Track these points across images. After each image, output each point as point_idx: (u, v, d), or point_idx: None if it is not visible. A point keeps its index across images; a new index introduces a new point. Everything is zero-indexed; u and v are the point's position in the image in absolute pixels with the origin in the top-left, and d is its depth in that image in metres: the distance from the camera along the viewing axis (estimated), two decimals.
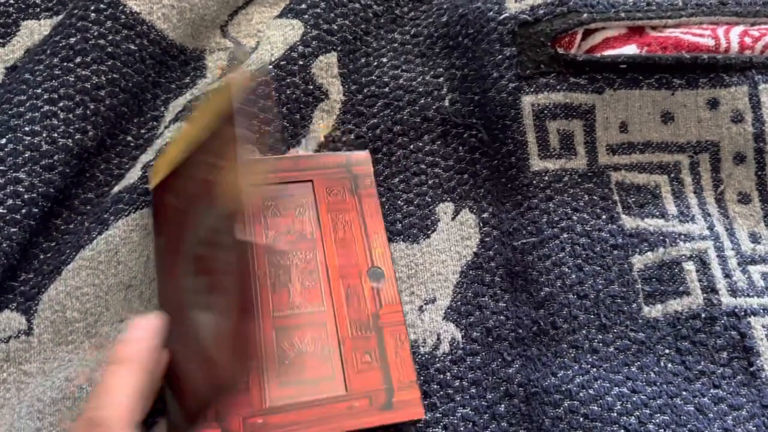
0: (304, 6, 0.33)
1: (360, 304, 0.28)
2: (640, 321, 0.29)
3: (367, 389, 0.26)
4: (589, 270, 0.29)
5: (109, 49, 0.31)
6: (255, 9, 0.35)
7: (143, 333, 0.23)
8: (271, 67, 0.32)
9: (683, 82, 0.30)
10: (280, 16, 0.33)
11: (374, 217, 0.30)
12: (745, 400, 0.27)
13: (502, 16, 0.31)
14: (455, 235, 0.31)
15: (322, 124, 0.32)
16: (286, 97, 0.32)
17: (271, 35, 0.32)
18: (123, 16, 0.32)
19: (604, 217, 0.30)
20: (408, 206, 0.32)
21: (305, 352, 0.27)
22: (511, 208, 0.31)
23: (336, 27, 0.33)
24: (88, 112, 0.30)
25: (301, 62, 0.32)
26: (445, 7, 0.34)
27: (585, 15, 0.30)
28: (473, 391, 0.28)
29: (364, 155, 0.31)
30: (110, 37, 0.31)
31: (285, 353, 0.27)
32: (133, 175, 0.30)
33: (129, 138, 0.32)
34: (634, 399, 0.27)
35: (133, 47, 0.32)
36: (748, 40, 0.31)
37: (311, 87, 0.32)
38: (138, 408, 0.22)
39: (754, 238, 0.30)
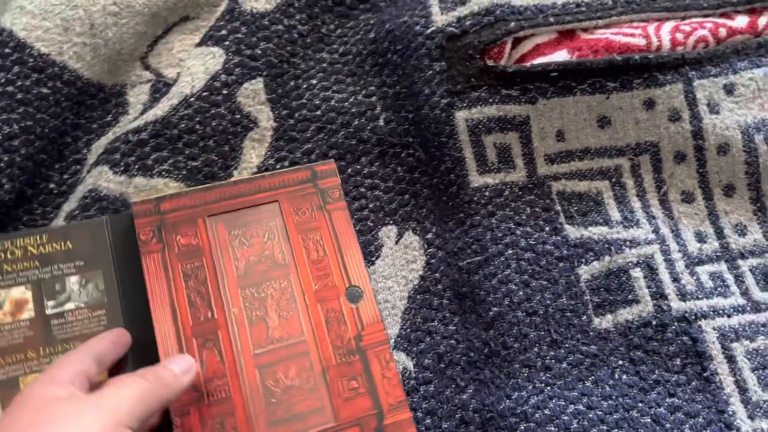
0: (224, 32, 0.31)
1: (341, 328, 0.28)
2: (591, 333, 0.28)
3: (357, 416, 0.26)
4: (536, 285, 0.29)
5: (19, 96, 0.29)
6: (175, 37, 0.34)
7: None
8: (193, 99, 0.30)
9: (617, 84, 0.29)
10: (200, 44, 0.32)
11: (346, 231, 0.29)
12: (700, 406, 0.27)
13: (429, 30, 0.30)
14: (400, 259, 0.30)
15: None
16: (212, 130, 0.30)
17: (191, 65, 0.31)
18: (31, 60, 0.30)
19: (547, 228, 0.29)
20: None
21: (292, 386, 0.26)
22: (454, 227, 0.30)
23: (259, 51, 0.32)
24: (2, 164, 0.29)
25: (225, 91, 0.31)
26: (372, 22, 0.33)
27: (512, 24, 0.29)
28: (428, 422, 0.27)
29: (329, 165, 0.30)
30: (19, 83, 0.29)
31: (271, 391, 0.26)
32: (56, 226, 0.28)
33: (51, 185, 0.31)
34: (591, 416, 0.26)
35: (45, 91, 0.30)
36: (679, 36, 0.30)
37: (238, 116, 0.31)
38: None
39: (700, 238, 0.30)
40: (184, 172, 0.30)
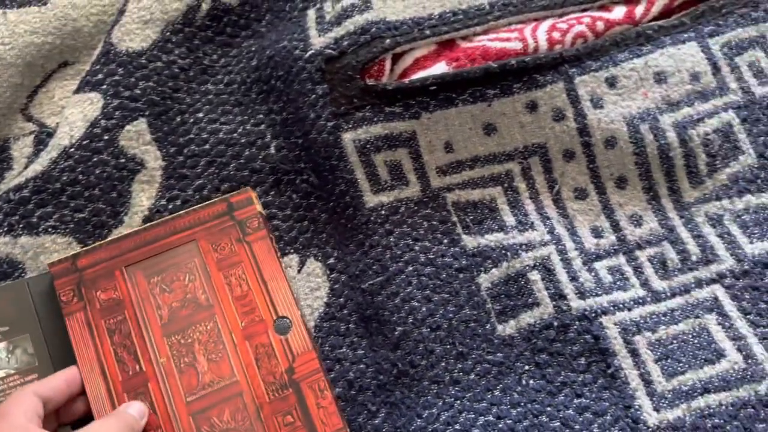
0: (100, 76, 0.31)
1: (271, 362, 0.27)
2: (495, 341, 0.28)
3: None
4: (438, 299, 0.29)
5: None
6: (56, 84, 0.33)
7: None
8: (73, 149, 0.29)
9: (497, 91, 0.29)
10: (77, 91, 0.31)
11: (268, 260, 0.28)
12: (607, 404, 0.27)
13: (307, 54, 0.30)
14: (304, 288, 0.30)
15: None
16: (96, 178, 0.30)
17: (69, 114, 0.30)
18: None
19: (445, 241, 0.29)
20: None
21: (227, 429, 0.26)
22: (355, 249, 0.30)
23: (139, 91, 0.31)
24: None
25: (106, 137, 0.30)
26: (253, 49, 0.32)
27: (388, 41, 0.29)
28: None
29: (245, 195, 0.29)
30: None
31: None
32: None
33: None
34: (501, 426, 0.26)
35: None
36: (556, 35, 0.30)
37: (123, 160, 0.30)
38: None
39: (597, 233, 0.30)
40: (72, 226, 0.29)
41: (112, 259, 0.28)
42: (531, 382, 0.27)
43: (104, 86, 0.31)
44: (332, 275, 0.30)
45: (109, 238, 0.29)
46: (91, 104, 0.30)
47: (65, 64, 0.33)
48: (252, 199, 0.29)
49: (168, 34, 0.32)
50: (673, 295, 0.28)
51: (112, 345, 0.27)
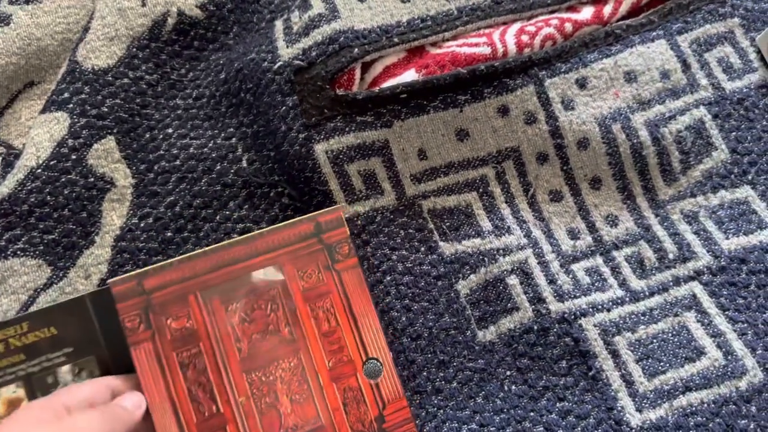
0: (66, 95, 0.30)
1: (360, 408, 0.25)
2: (476, 348, 0.28)
3: None
4: (417, 308, 0.28)
5: None
6: (22, 105, 0.32)
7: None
8: (40, 170, 0.29)
9: (468, 97, 0.29)
10: (43, 110, 0.30)
11: (359, 293, 0.26)
12: (590, 406, 0.27)
13: (276, 65, 0.30)
14: None
15: None
16: (65, 198, 0.29)
17: (35, 135, 0.30)
18: None
19: (422, 249, 0.29)
20: None
21: None
22: None
23: (106, 109, 0.30)
24: None
25: (73, 156, 0.29)
26: (222, 62, 0.32)
27: (356, 50, 0.29)
28: None
29: (335, 214, 0.27)
30: None
31: None
32: (34, 311, 0.27)
33: None
34: None
35: None
36: (525, 38, 0.30)
37: (92, 179, 0.30)
38: None
39: (573, 234, 0.30)
40: (41, 248, 0.29)
41: (184, 281, 0.25)
42: (513, 387, 0.27)
43: (71, 105, 0.30)
44: None
45: (180, 257, 0.25)
46: (58, 124, 0.30)
47: (31, 84, 0.33)
48: (342, 220, 0.27)
49: (134, 50, 0.31)
50: (652, 294, 0.28)
51: (185, 381, 0.24)
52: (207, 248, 0.25)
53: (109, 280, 0.25)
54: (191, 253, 0.25)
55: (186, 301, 0.25)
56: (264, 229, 0.26)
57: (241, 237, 0.26)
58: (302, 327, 0.25)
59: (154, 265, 0.25)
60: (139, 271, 0.25)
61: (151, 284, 0.25)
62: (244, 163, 0.31)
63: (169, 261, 0.25)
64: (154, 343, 0.24)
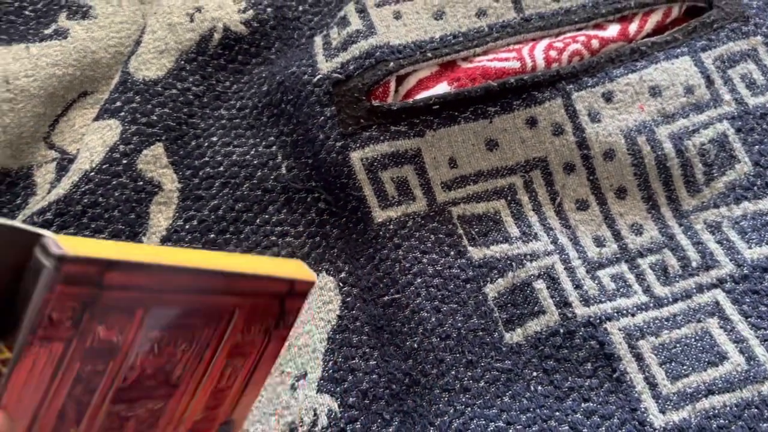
0: (118, 104, 0.32)
1: None
2: (504, 349, 0.29)
3: None
4: (446, 309, 0.29)
5: None
6: (76, 113, 0.34)
7: None
8: (93, 173, 0.31)
9: (498, 108, 0.30)
10: (96, 118, 0.32)
11: (268, 363, 0.23)
12: (614, 407, 0.27)
13: (316, 78, 0.31)
14: (317, 302, 0.31)
15: None
16: (116, 200, 0.31)
17: (89, 140, 0.32)
18: None
19: (452, 253, 0.30)
20: None
21: None
22: (365, 263, 0.31)
23: (156, 117, 0.32)
24: None
25: (124, 161, 0.31)
26: (264, 75, 0.34)
27: (392, 63, 0.31)
28: None
29: (308, 286, 0.24)
30: None
31: None
32: None
33: None
34: (510, 431, 0.27)
35: None
36: (553, 54, 0.32)
37: (141, 183, 0.32)
38: None
39: (599, 242, 0.31)
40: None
41: (145, 291, 0.19)
42: (539, 388, 0.28)
43: (122, 113, 0.32)
44: (344, 288, 0.31)
45: (163, 261, 0.20)
46: (110, 130, 0.32)
47: (85, 93, 0.35)
48: (308, 292, 0.24)
49: (182, 62, 0.33)
50: (675, 301, 0.29)
51: (66, 398, 0.19)
52: (196, 265, 0.21)
53: (58, 240, 0.17)
54: (175, 264, 0.20)
55: (132, 313, 0.19)
56: (249, 271, 0.22)
57: (228, 271, 0.21)
58: (198, 376, 0.22)
59: (128, 257, 0.19)
60: (107, 257, 0.18)
61: (113, 280, 0.18)
62: (284, 170, 0.32)
63: (150, 260, 0.20)
64: (66, 347, 0.18)
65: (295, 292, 0.23)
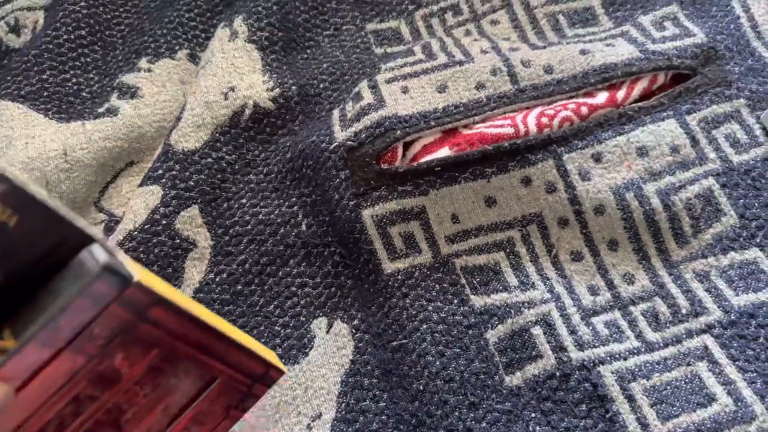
0: (160, 172, 0.37)
1: None
2: (504, 392, 0.31)
3: None
4: (450, 354, 0.32)
5: None
6: (123, 180, 0.39)
7: None
8: (136, 233, 0.35)
9: (494, 169, 0.34)
10: (141, 184, 0.37)
11: None
12: None
13: (332, 146, 0.35)
14: (331, 347, 0.34)
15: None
16: (155, 256, 0.35)
17: (134, 204, 0.36)
18: None
19: (455, 301, 0.33)
20: (285, 329, 0.34)
21: None
22: (376, 311, 0.34)
23: (192, 183, 0.37)
24: None
25: (164, 222, 0.35)
26: (288, 144, 0.38)
27: (399, 132, 0.34)
28: None
29: (280, 371, 0.23)
30: None
31: None
32: None
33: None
34: None
35: None
36: (545, 120, 0.35)
37: (178, 241, 0.35)
38: None
39: (593, 291, 0.33)
40: None
41: (171, 333, 0.20)
42: (537, 428, 0.30)
43: (163, 180, 0.36)
44: (357, 335, 0.34)
45: (194, 312, 0.20)
46: (152, 195, 0.36)
47: (132, 163, 0.40)
48: (275, 383, 0.24)
49: (217, 135, 0.38)
50: (666, 345, 0.31)
51: (55, 414, 0.18)
52: (212, 324, 0.21)
53: (134, 276, 0.17)
54: (202, 318, 0.20)
55: (147, 351, 0.19)
56: (242, 343, 0.22)
57: (230, 337, 0.21)
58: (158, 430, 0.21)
59: (177, 300, 0.20)
60: (160, 293, 0.19)
61: (154, 315, 0.19)
62: (303, 227, 0.36)
63: (192, 310, 0.20)
64: (85, 364, 0.18)
65: (266, 378, 0.23)
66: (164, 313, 0.19)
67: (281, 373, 0.24)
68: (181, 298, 0.20)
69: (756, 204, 0.34)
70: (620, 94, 0.37)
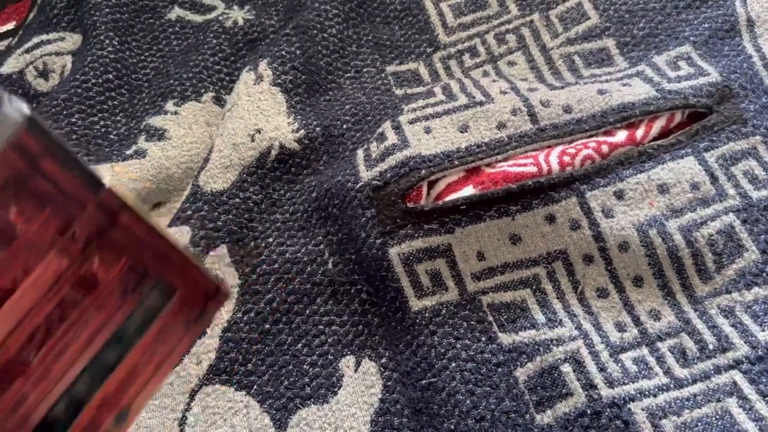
0: (189, 212, 0.37)
1: None
2: (535, 430, 0.31)
3: None
4: (480, 392, 0.32)
5: None
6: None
7: None
8: None
9: (519, 207, 0.34)
10: (170, 225, 0.38)
11: (177, 355, 0.22)
12: None
13: (358, 185, 0.36)
14: (360, 386, 0.34)
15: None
16: None
17: None
18: None
19: (483, 339, 0.33)
20: (313, 368, 0.34)
21: None
22: (404, 349, 0.34)
23: (221, 223, 0.37)
24: None
25: None
26: (313, 184, 0.39)
27: (423, 171, 0.35)
28: None
29: (227, 292, 0.23)
30: None
31: None
32: None
33: None
34: None
35: None
36: (567, 159, 0.36)
37: None
38: None
39: (620, 327, 0.33)
40: None
41: (138, 243, 0.19)
42: None
43: (192, 220, 0.37)
44: (385, 373, 0.34)
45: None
46: (182, 236, 0.37)
47: (159, 204, 0.40)
48: (224, 302, 0.23)
49: (244, 176, 0.39)
50: (695, 381, 0.31)
51: (44, 318, 0.19)
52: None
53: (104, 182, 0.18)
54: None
55: (119, 257, 0.20)
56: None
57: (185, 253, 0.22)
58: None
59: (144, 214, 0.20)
60: (130, 203, 0.20)
61: (124, 221, 0.19)
62: (330, 265, 0.36)
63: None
64: (69, 265, 0.19)
65: (217, 295, 0.24)
66: (132, 221, 0.20)
67: (228, 294, 0.24)
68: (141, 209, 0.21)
69: None
70: (639, 132, 0.37)
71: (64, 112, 0.43)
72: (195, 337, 0.25)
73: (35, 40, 0.48)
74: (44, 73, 0.47)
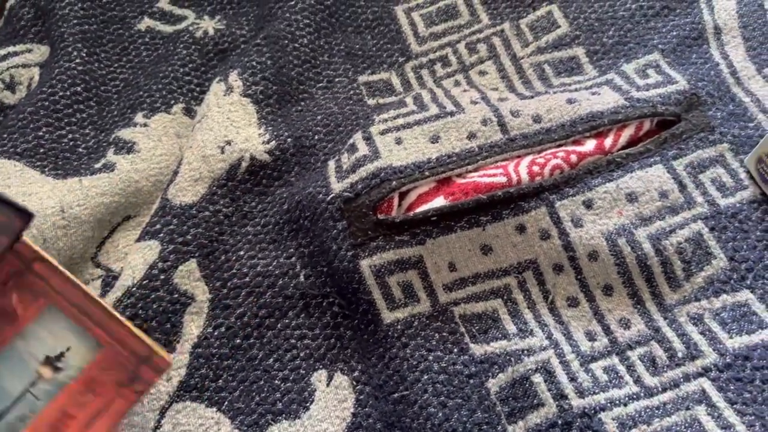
0: (158, 226, 0.37)
1: None
2: None
3: None
4: (452, 405, 0.32)
5: None
6: (120, 235, 0.39)
7: None
8: (135, 289, 0.35)
9: (489, 217, 0.34)
10: (138, 239, 0.37)
11: (112, 417, 0.26)
12: None
13: (329, 197, 0.36)
14: (332, 401, 0.33)
15: None
16: (154, 312, 0.35)
17: (132, 259, 0.36)
18: None
19: (455, 350, 0.33)
20: (285, 383, 0.34)
21: None
22: (376, 362, 0.34)
23: (190, 237, 0.37)
24: None
25: (162, 277, 0.35)
26: (284, 196, 0.39)
27: (394, 182, 0.35)
28: None
29: (166, 361, 0.28)
30: None
31: None
32: None
33: None
34: None
35: None
36: (536, 168, 0.36)
37: (176, 295, 0.36)
38: None
39: (591, 336, 0.33)
40: None
41: (54, 290, 0.27)
42: None
43: (161, 234, 0.37)
44: (357, 387, 0.34)
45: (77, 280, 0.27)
46: (150, 250, 0.36)
47: (128, 217, 0.40)
48: (164, 371, 0.28)
49: (214, 188, 0.38)
50: (664, 390, 0.31)
51: None
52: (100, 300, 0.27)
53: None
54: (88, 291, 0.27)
55: (36, 299, 0.25)
56: (127, 323, 0.27)
57: (114, 314, 0.27)
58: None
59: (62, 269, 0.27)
60: (43, 254, 0.26)
61: (38, 269, 0.25)
62: (302, 278, 0.36)
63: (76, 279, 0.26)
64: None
65: (151, 362, 0.27)
66: (46, 270, 0.25)
67: (167, 363, 0.27)
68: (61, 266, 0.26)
69: (744, 246, 0.34)
70: (608, 141, 0.38)
71: (32, 126, 0.43)
72: (130, 405, 0.27)
73: (2, 52, 0.47)
74: (11, 86, 0.46)
